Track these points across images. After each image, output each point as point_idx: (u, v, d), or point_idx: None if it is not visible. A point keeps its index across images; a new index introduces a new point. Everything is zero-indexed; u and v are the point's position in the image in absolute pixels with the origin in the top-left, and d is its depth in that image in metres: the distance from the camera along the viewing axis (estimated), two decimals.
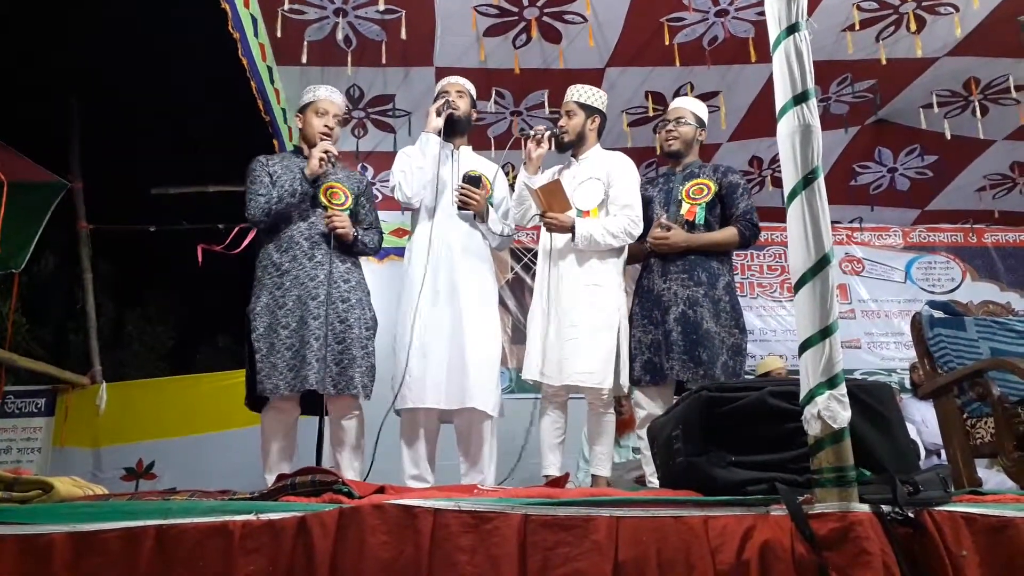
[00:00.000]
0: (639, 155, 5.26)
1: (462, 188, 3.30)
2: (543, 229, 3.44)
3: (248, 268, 3.37)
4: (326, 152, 3.21)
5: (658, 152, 3.60)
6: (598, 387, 3.20)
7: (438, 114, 3.34)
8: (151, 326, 12.41)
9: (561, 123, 3.47)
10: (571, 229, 3.27)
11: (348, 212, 3.30)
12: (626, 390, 3.36)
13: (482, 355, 3.22)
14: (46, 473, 3.12)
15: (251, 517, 1.54)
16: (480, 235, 3.42)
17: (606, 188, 3.37)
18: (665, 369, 3.23)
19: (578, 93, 3.50)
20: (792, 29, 1.74)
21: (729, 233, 3.35)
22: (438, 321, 3.23)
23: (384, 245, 3.66)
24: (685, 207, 3.37)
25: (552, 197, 3.26)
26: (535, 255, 3.77)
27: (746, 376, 3.90)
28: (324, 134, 3.29)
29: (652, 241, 3.33)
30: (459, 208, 3.32)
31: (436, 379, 3.17)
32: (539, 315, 3.34)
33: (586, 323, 3.23)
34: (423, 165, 3.31)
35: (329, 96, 3.38)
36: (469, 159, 3.48)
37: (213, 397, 5.68)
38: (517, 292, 5.94)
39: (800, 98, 1.70)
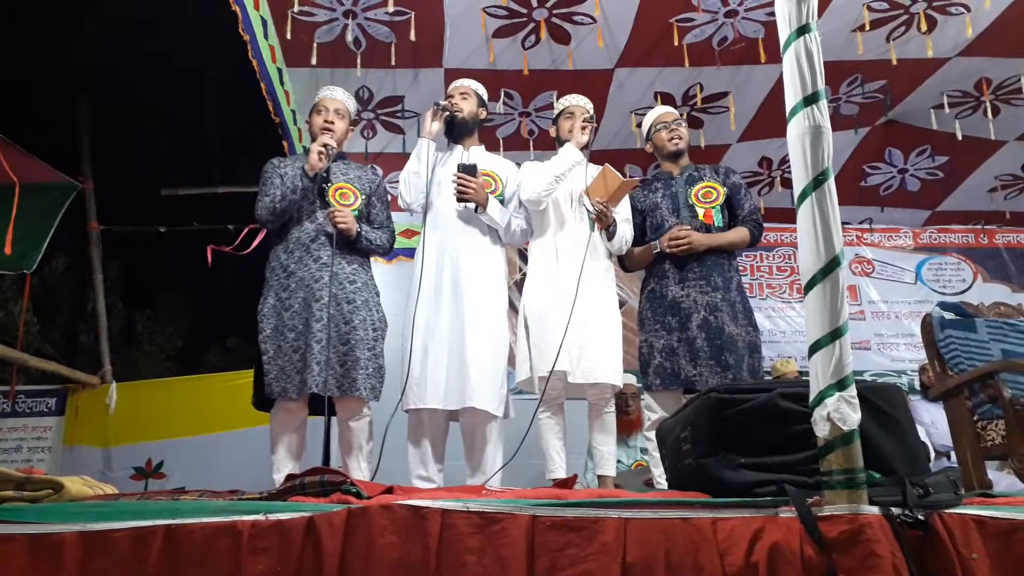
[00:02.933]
0: (647, 156, 5.24)
1: (457, 177, 3.30)
2: (556, 227, 3.43)
3: (257, 269, 3.37)
4: (324, 146, 3.20)
5: (664, 153, 3.59)
6: (618, 384, 3.30)
7: (432, 118, 3.38)
8: (160, 326, 12.48)
9: (588, 128, 3.44)
10: (610, 228, 3.32)
11: (356, 213, 3.27)
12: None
13: (484, 355, 3.20)
14: (56, 472, 3.14)
15: (260, 517, 1.54)
16: (489, 240, 3.41)
17: None
18: (691, 376, 3.24)
19: (591, 106, 3.54)
20: (802, 30, 1.73)
21: (742, 233, 3.43)
22: (440, 321, 3.23)
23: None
24: (701, 212, 3.43)
25: (620, 193, 3.28)
26: None
27: (766, 375, 3.92)
28: (325, 129, 3.30)
29: (674, 241, 3.34)
30: (458, 199, 3.31)
31: (437, 379, 3.17)
32: (556, 312, 3.21)
33: (612, 324, 3.32)
34: (419, 171, 3.34)
35: (329, 94, 3.40)
36: (480, 159, 3.47)
37: (222, 397, 5.71)
38: None
39: (810, 99, 1.69)
